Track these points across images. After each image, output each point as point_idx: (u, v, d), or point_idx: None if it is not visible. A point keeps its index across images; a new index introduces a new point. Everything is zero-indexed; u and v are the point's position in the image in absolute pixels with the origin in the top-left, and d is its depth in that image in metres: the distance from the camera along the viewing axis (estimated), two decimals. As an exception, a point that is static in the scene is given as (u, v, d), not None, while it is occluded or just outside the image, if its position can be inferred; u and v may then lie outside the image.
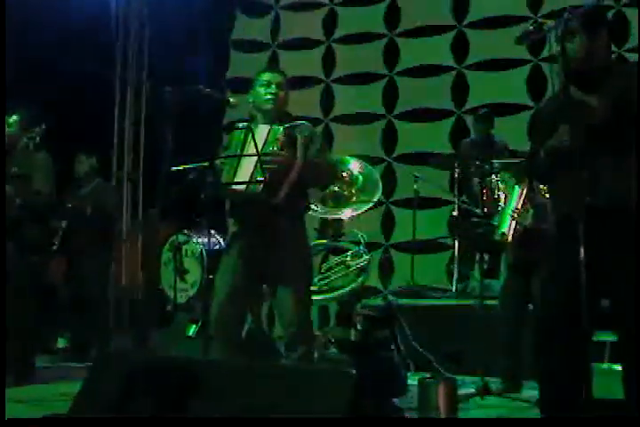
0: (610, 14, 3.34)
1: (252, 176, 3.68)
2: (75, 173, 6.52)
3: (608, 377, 3.85)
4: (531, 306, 4.92)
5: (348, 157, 5.45)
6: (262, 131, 3.77)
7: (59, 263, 6.29)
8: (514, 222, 4.70)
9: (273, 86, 3.89)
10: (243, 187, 3.73)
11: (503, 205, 4.98)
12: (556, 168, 3.23)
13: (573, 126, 3.04)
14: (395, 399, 4.12)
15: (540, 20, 3.31)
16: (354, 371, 2.63)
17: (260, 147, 3.66)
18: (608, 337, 4.11)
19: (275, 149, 3.70)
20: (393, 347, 5.18)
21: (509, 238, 4.70)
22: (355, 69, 8.79)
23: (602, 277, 3.00)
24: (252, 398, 2.85)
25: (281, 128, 3.76)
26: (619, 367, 3.87)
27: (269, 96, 3.88)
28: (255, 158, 3.64)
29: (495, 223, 5.13)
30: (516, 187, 4.70)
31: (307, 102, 8.32)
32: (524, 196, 4.69)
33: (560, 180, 3.30)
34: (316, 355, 4.69)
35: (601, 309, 3.20)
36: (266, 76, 3.93)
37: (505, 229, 4.72)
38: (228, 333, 3.85)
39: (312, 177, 3.86)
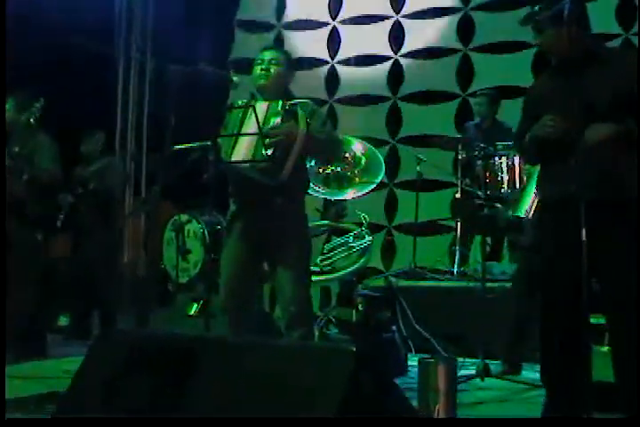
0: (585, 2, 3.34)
1: (254, 154, 3.67)
2: (82, 150, 6.51)
3: (608, 360, 3.86)
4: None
5: (351, 138, 5.43)
6: (261, 107, 3.76)
7: (62, 240, 6.30)
8: (536, 201, 4.65)
9: (265, 63, 3.88)
10: (241, 166, 3.73)
11: (523, 185, 4.96)
12: (541, 155, 3.26)
13: (557, 114, 3.08)
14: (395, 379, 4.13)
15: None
16: (354, 348, 2.63)
17: (260, 123, 3.65)
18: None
19: (276, 121, 3.69)
20: (394, 328, 5.20)
21: (530, 215, 4.68)
22: (360, 51, 8.75)
23: (590, 262, 3.01)
24: (250, 376, 2.86)
25: (280, 102, 3.75)
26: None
27: (261, 72, 3.87)
28: (254, 137, 3.64)
29: (499, 206, 5.13)
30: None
31: (312, 83, 8.31)
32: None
33: (545, 166, 3.33)
34: (316, 335, 4.72)
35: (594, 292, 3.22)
36: (261, 54, 3.93)
37: (526, 207, 4.70)
38: (237, 312, 3.87)
39: (316, 149, 3.85)
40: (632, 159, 3.13)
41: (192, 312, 5.33)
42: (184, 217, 5.76)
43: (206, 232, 5.60)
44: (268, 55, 3.91)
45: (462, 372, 4.59)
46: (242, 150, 3.73)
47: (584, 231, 2.86)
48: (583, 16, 3.24)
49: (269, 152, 3.61)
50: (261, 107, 3.76)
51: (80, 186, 6.18)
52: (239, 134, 3.77)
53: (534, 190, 4.60)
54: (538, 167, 4.58)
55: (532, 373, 4.75)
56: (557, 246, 3.20)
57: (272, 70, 3.87)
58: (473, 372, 4.66)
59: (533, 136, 3.23)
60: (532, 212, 4.64)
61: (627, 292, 3.09)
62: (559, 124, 3.10)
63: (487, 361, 4.68)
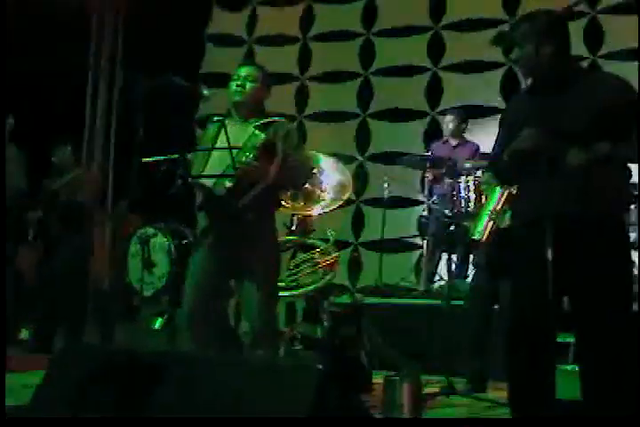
0: (571, 21, 3.35)
1: (224, 171, 3.66)
2: (53, 162, 6.45)
3: (572, 378, 3.88)
4: (497, 307, 4.95)
5: (319, 155, 5.44)
6: (242, 130, 3.74)
7: (29, 253, 6.23)
8: (490, 223, 4.70)
9: (241, 79, 3.87)
10: (211, 181, 3.71)
11: (481, 205, 5.00)
12: (519, 172, 3.26)
13: (536, 130, 3.08)
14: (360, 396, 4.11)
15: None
16: (319, 366, 2.62)
17: (229, 142, 3.63)
18: (572, 338, 4.13)
19: (251, 156, 3.66)
20: (359, 345, 5.18)
21: (484, 238, 4.72)
22: (330, 67, 8.78)
23: (562, 281, 3.03)
24: (216, 391, 2.84)
25: (262, 135, 3.72)
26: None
27: (236, 89, 3.86)
28: (226, 153, 3.62)
29: (465, 224, 5.15)
30: (498, 188, 4.70)
31: (281, 99, 8.31)
32: (504, 197, 4.69)
33: (523, 184, 3.33)
34: (281, 351, 4.69)
35: (562, 310, 3.23)
36: (237, 70, 3.92)
37: (481, 229, 4.73)
38: (199, 327, 3.84)
39: (286, 181, 3.86)
40: (609, 177, 3.15)
41: (157, 326, 5.29)
42: (150, 230, 5.73)
43: (172, 246, 5.57)
44: (244, 71, 3.90)
45: (427, 389, 4.58)
46: (214, 167, 3.72)
47: (550, 250, 2.87)
48: (562, 36, 3.24)
49: (229, 186, 3.60)
50: (243, 129, 3.76)
51: (50, 198, 6.11)
52: (207, 149, 3.76)
53: (488, 213, 4.66)
54: (498, 188, 4.66)
55: (497, 390, 4.75)
56: (531, 265, 3.19)
57: (247, 87, 3.87)
58: (438, 390, 4.65)
59: (513, 151, 3.21)
60: (486, 233, 4.67)
61: (598, 311, 3.08)
62: (540, 139, 3.08)
63: (452, 379, 4.68)
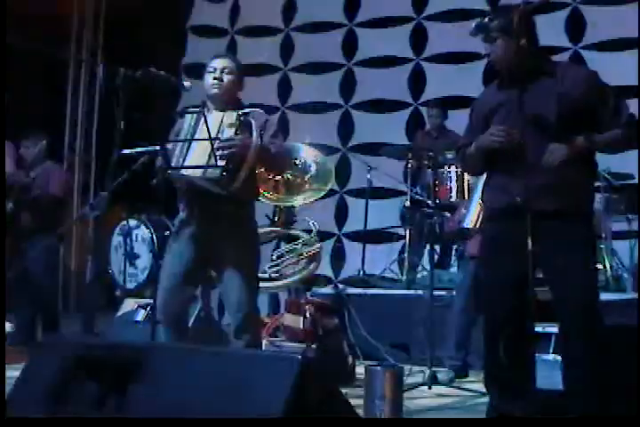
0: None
1: (206, 162, 3.65)
2: (23, 155, 6.40)
3: (553, 368, 3.91)
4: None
5: (301, 145, 5.43)
6: (215, 117, 3.74)
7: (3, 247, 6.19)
8: (480, 211, 4.71)
9: (218, 72, 3.85)
10: (192, 172, 3.70)
11: (470, 194, 5.01)
12: (487, 164, 3.30)
13: (504, 124, 3.12)
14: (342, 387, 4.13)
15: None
16: (299, 356, 2.63)
17: (214, 133, 3.62)
18: (553, 328, 4.16)
19: (230, 133, 3.67)
20: (341, 335, 5.20)
21: (476, 226, 4.73)
22: (313, 58, 8.78)
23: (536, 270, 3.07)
24: (197, 382, 2.84)
25: (235, 113, 3.72)
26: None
27: (213, 81, 3.85)
28: (206, 144, 3.61)
29: (447, 214, 5.17)
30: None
31: (264, 90, 8.30)
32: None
33: (490, 175, 3.36)
34: (264, 342, 4.69)
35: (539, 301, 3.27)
36: (212, 62, 3.89)
37: (471, 218, 4.75)
38: (174, 318, 3.83)
39: (268, 161, 3.84)
40: (578, 169, 3.18)
41: (139, 318, 5.28)
42: (132, 222, 5.71)
43: (154, 237, 5.55)
44: (220, 64, 3.87)
45: (410, 380, 4.60)
46: (195, 158, 3.71)
47: (529, 240, 2.89)
48: (531, 29, 3.27)
49: (222, 163, 3.60)
50: (215, 116, 3.75)
51: (20, 191, 6.07)
52: (186, 140, 3.75)
53: (479, 200, 4.67)
54: (482, 178, 4.68)
55: (479, 382, 4.78)
56: (501, 255, 3.23)
57: (225, 79, 3.85)
58: (420, 380, 4.68)
59: (480, 146, 3.26)
60: (478, 222, 4.69)
61: (576, 300, 3.13)
62: (507, 135, 3.13)
63: (434, 369, 4.70)
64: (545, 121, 3.14)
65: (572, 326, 3.15)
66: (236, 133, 3.67)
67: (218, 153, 3.59)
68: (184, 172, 3.74)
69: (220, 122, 3.71)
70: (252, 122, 3.74)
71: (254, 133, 3.69)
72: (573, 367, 3.16)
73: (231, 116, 3.71)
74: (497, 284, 3.25)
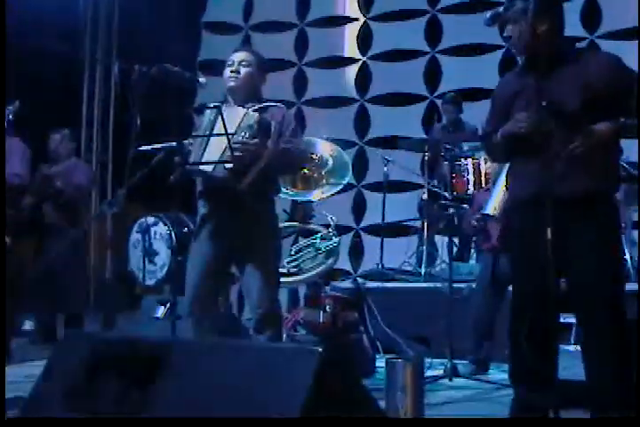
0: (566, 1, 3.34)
1: (221, 157, 3.66)
2: (49, 152, 6.44)
3: (574, 358, 3.89)
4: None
5: (317, 140, 5.43)
6: (235, 113, 3.73)
7: (27, 242, 6.22)
8: (502, 199, 4.67)
9: (235, 64, 3.85)
10: (210, 168, 3.71)
11: (491, 181, 4.98)
12: (513, 152, 3.26)
13: (529, 111, 3.07)
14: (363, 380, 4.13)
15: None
16: (319, 349, 2.62)
17: (231, 129, 3.62)
18: (573, 319, 4.14)
19: (247, 135, 3.66)
20: (361, 329, 5.20)
21: (497, 214, 4.70)
22: (328, 53, 8.77)
23: (559, 261, 3.04)
24: (217, 377, 2.84)
25: (256, 114, 3.71)
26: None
27: (231, 74, 3.84)
28: (224, 139, 3.61)
29: (465, 206, 5.15)
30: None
31: (279, 85, 8.30)
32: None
33: (517, 164, 3.32)
34: (284, 336, 4.70)
35: (564, 291, 3.24)
36: (231, 56, 3.90)
37: (494, 205, 4.72)
38: (202, 315, 3.84)
39: (282, 166, 3.84)
40: (604, 156, 3.15)
41: (159, 315, 5.30)
42: (150, 219, 5.73)
43: (173, 234, 5.57)
44: (238, 57, 3.87)
45: (430, 372, 4.59)
46: (211, 154, 3.72)
47: (549, 230, 2.87)
48: (558, 14, 3.23)
49: (230, 166, 3.60)
50: (236, 113, 3.74)
51: (43, 183, 6.08)
52: (203, 135, 3.75)
53: (502, 189, 4.64)
54: (505, 166, 4.65)
55: (499, 372, 4.77)
56: (527, 245, 3.20)
57: (242, 72, 3.85)
58: (441, 372, 4.67)
59: (505, 133, 3.21)
60: (498, 208, 4.66)
61: (598, 290, 3.10)
62: (532, 121, 3.08)
63: (455, 361, 4.69)
64: (569, 107, 3.08)
65: (595, 316, 3.11)
66: (253, 137, 3.66)
67: (228, 153, 3.60)
68: (202, 167, 3.74)
69: (240, 119, 3.70)
70: (273, 124, 3.73)
71: (272, 138, 3.68)
72: (596, 359, 3.12)
73: (252, 118, 3.70)
74: (523, 273, 3.21)
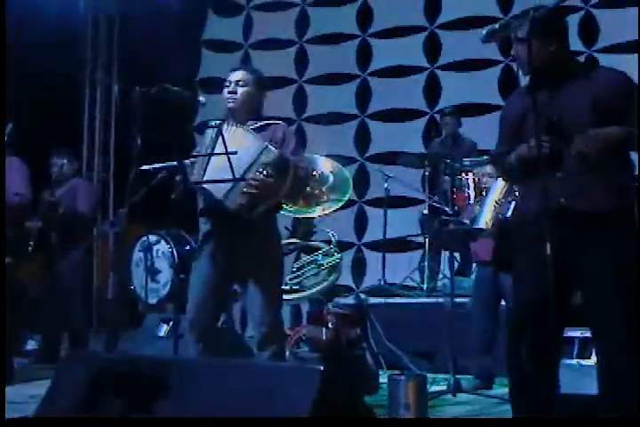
0: (567, 17, 3.34)
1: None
2: (51, 173, 6.47)
3: (577, 373, 3.89)
4: (503, 302, 4.96)
5: (318, 157, 5.45)
6: (238, 134, 3.74)
7: (31, 264, 6.23)
8: (494, 214, 4.69)
9: (232, 85, 3.86)
10: (217, 191, 3.71)
11: (483, 196, 5.00)
12: (527, 172, 3.25)
13: (537, 127, 3.07)
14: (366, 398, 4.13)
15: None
16: (321, 367, 2.63)
17: (234, 148, 3.62)
18: (576, 333, 4.14)
19: (264, 172, 3.64)
20: (364, 345, 5.19)
21: (488, 228, 4.71)
22: (327, 70, 8.81)
23: (571, 276, 3.04)
24: (222, 396, 2.84)
25: (276, 151, 3.68)
26: (587, 363, 3.92)
27: (228, 95, 3.87)
28: (223, 158, 3.63)
29: (466, 221, 5.16)
30: (499, 179, 4.69)
31: (279, 102, 8.33)
32: (505, 188, 4.68)
33: (531, 181, 3.31)
34: (287, 354, 4.70)
35: (571, 306, 3.22)
36: (229, 76, 3.91)
37: (485, 219, 4.73)
38: (205, 334, 3.84)
39: (289, 193, 3.85)
40: (616, 170, 3.16)
41: (162, 334, 5.30)
42: (152, 237, 5.72)
43: (175, 252, 5.57)
44: (234, 77, 3.89)
45: (434, 388, 4.59)
46: (212, 173, 3.73)
47: (548, 245, 2.87)
48: (563, 31, 3.24)
49: (242, 200, 3.61)
50: (238, 129, 3.74)
51: (49, 210, 6.12)
52: (205, 155, 3.77)
53: (493, 202, 4.66)
54: (497, 180, 4.65)
55: (504, 387, 4.76)
56: (534, 261, 3.17)
57: (239, 92, 3.86)
58: (444, 388, 4.66)
59: (522, 157, 3.19)
60: (491, 223, 4.67)
61: (613, 305, 3.08)
62: (548, 148, 3.07)
63: (458, 376, 4.69)
64: (578, 125, 3.09)
65: (612, 332, 3.09)
66: (269, 175, 3.64)
67: (244, 188, 3.61)
68: (205, 185, 3.76)
69: (256, 155, 3.66)
70: (291, 166, 3.70)
71: (289, 178, 3.68)
72: (611, 372, 3.10)
73: (271, 154, 3.66)
74: (535, 289, 3.17)
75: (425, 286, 6.46)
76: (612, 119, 3.09)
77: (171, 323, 5.16)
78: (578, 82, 3.17)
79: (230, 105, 3.87)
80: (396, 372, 4.31)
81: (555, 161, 3.03)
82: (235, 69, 3.97)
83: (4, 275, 4.90)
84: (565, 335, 4.29)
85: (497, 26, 3.24)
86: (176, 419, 2.75)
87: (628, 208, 3.20)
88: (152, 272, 5.68)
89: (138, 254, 5.80)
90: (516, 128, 3.26)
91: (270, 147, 3.69)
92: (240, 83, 3.87)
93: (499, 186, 4.69)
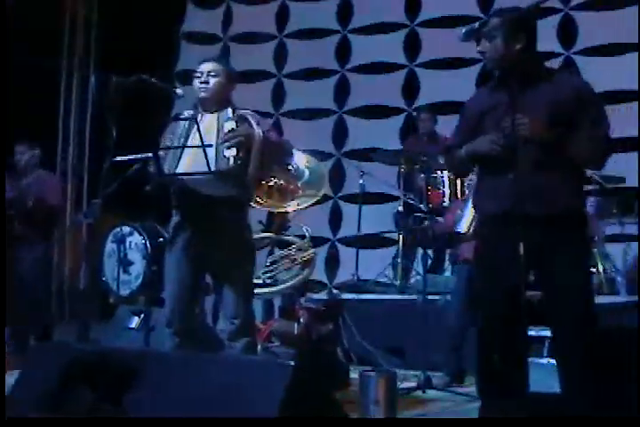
0: (542, 19, 3.40)
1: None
2: (15, 164, 6.39)
3: (547, 371, 3.91)
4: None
5: (294, 151, 5.43)
6: (209, 119, 3.78)
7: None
8: (474, 217, 4.71)
9: (204, 75, 3.89)
10: (187, 173, 3.73)
11: (465, 198, 5.02)
12: (479, 170, 3.29)
13: (497, 126, 3.11)
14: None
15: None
16: (291, 363, 2.63)
17: (212, 132, 3.70)
18: (547, 333, 4.17)
19: (231, 127, 3.72)
20: (336, 341, 5.20)
21: (469, 232, 4.73)
22: (306, 65, 8.79)
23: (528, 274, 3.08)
24: (192, 388, 2.84)
25: (230, 109, 3.80)
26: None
27: (200, 85, 3.89)
28: (199, 149, 3.64)
29: (440, 218, 5.18)
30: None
31: (257, 96, 8.31)
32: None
33: (483, 180, 3.35)
34: (259, 347, 4.70)
35: (533, 305, 3.26)
36: (199, 67, 3.95)
37: (465, 223, 4.75)
38: (183, 326, 3.85)
39: (272, 151, 3.87)
40: (567, 173, 3.19)
41: (133, 325, 5.28)
42: (126, 229, 5.70)
43: (148, 244, 5.55)
44: (205, 67, 3.92)
45: (404, 384, 4.60)
46: (187, 163, 3.74)
47: (522, 245, 2.90)
48: (532, 32, 3.27)
49: (233, 154, 3.63)
50: (209, 119, 3.79)
51: (14, 200, 6.06)
52: (180, 147, 3.77)
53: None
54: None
55: (474, 384, 4.77)
56: (496, 261, 3.22)
57: (211, 82, 3.89)
58: (415, 384, 4.68)
59: (476, 151, 3.23)
60: (471, 226, 4.70)
61: (572, 306, 3.12)
62: (500, 145, 3.11)
63: (429, 373, 4.70)
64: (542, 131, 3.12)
65: (568, 330, 3.14)
66: (236, 126, 3.73)
67: (225, 145, 3.66)
68: (179, 173, 3.77)
69: (216, 120, 3.77)
70: (249, 116, 3.80)
71: (254, 124, 3.73)
72: (570, 371, 3.15)
73: (227, 113, 3.78)
74: (492, 288, 3.23)
75: (398, 283, 6.47)
76: (569, 124, 3.14)
77: (142, 315, 5.14)
78: (540, 85, 3.21)
79: (203, 95, 3.90)
80: (367, 368, 4.32)
81: (507, 161, 3.06)
82: (206, 60, 4.01)
83: (4, 274, 4.85)
84: (536, 335, 4.34)
85: (476, 25, 3.28)
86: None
87: (581, 209, 3.28)
88: (124, 264, 5.66)
89: (110, 246, 5.77)
90: (474, 124, 3.31)
91: (225, 110, 3.80)
92: (212, 73, 3.91)
93: None
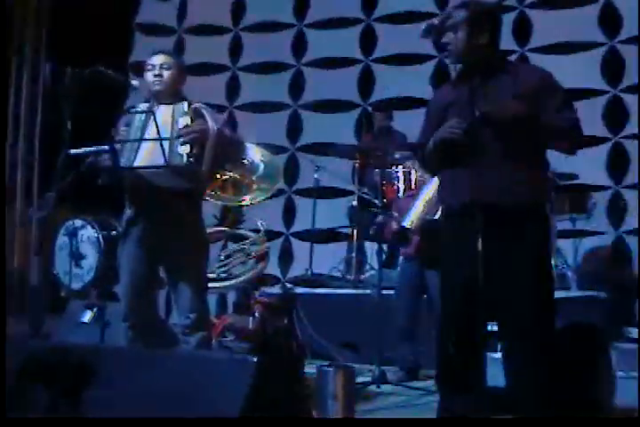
0: (502, 14, 3.41)
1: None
2: None
3: (500, 366, 3.95)
4: (425, 296, 5.02)
5: (249, 145, 5.41)
6: (164, 111, 3.75)
7: None
8: (422, 214, 4.75)
9: (157, 68, 3.87)
10: (143, 166, 3.70)
11: (414, 194, 5.06)
12: (444, 160, 3.29)
13: (460, 120, 3.12)
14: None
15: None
16: (255, 359, 2.62)
17: (167, 126, 3.66)
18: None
19: (185, 122, 3.69)
20: (291, 335, 5.19)
21: (413, 227, 4.77)
22: (262, 58, 8.76)
23: (488, 271, 3.08)
24: (149, 385, 2.82)
25: (186, 103, 3.76)
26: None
27: (154, 78, 3.86)
28: (156, 142, 3.61)
29: (394, 213, 5.20)
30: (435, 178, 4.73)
31: (212, 89, 8.26)
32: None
33: (447, 172, 3.35)
34: (213, 342, 4.67)
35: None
36: (151, 60, 3.91)
37: (412, 218, 4.78)
38: (141, 320, 3.84)
39: (227, 147, 3.83)
40: (531, 167, 3.21)
41: (86, 320, 5.21)
42: (78, 222, 5.64)
43: (101, 237, 5.49)
44: (158, 60, 3.89)
45: (359, 379, 4.62)
46: (145, 156, 3.70)
47: (480, 240, 2.92)
48: (496, 26, 3.29)
49: (186, 150, 3.60)
50: (164, 110, 3.75)
51: None
52: (137, 140, 3.74)
53: (423, 203, 4.72)
54: (432, 181, 4.70)
55: (427, 379, 4.81)
56: (454, 255, 3.24)
57: (164, 75, 3.87)
58: (369, 379, 4.69)
59: (437, 139, 3.23)
60: (416, 222, 4.73)
61: (521, 300, 3.13)
62: (465, 127, 3.12)
63: (383, 368, 4.73)
64: (500, 117, 3.13)
65: (525, 325, 3.13)
66: (191, 121, 3.70)
67: (180, 140, 3.62)
68: (135, 167, 3.73)
69: (171, 114, 3.74)
70: (204, 110, 3.77)
71: (209, 119, 3.71)
72: (522, 368, 3.15)
73: (183, 107, 3.75)
74: (452, 282, 3.24)
75: (352, 277, 6.48)
76: (532, 115, 3.14)
77: (95, 309, 5.08)
78: (502, 77, 3.22)
79: (157, 88, 3.88)
80: (322, 362, 4.33)
81: (468, 154, 3.07)
82: (157, 53, 3.97)
83: (4, 274, 4.76)
84: (491, 330, 4.38)
85: (436, 21, 3.29)
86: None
87: (541, 203, 3.28)
88: (76, 257, 5.60)
89: (62, 239, 5.71)
90: (439, 119, 3.30)
91: (180, 103, 3.76)
92: (165, 66, 3.88)
93: (433, 184, 4.72)
